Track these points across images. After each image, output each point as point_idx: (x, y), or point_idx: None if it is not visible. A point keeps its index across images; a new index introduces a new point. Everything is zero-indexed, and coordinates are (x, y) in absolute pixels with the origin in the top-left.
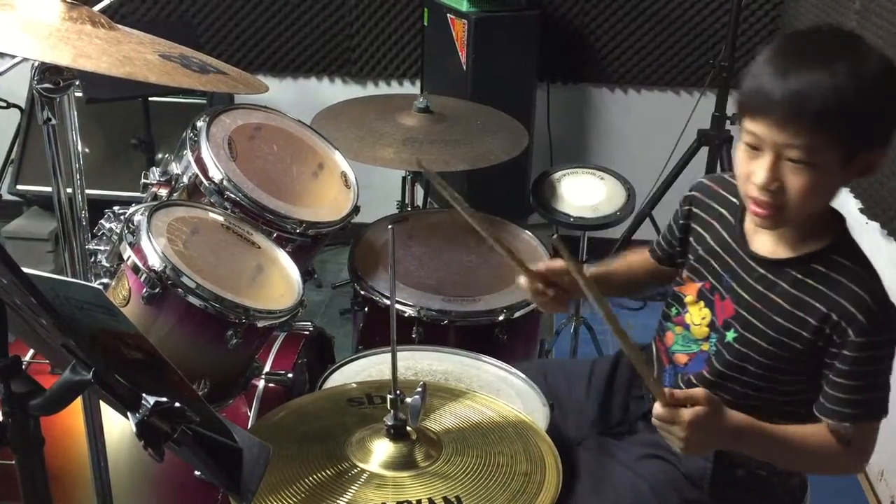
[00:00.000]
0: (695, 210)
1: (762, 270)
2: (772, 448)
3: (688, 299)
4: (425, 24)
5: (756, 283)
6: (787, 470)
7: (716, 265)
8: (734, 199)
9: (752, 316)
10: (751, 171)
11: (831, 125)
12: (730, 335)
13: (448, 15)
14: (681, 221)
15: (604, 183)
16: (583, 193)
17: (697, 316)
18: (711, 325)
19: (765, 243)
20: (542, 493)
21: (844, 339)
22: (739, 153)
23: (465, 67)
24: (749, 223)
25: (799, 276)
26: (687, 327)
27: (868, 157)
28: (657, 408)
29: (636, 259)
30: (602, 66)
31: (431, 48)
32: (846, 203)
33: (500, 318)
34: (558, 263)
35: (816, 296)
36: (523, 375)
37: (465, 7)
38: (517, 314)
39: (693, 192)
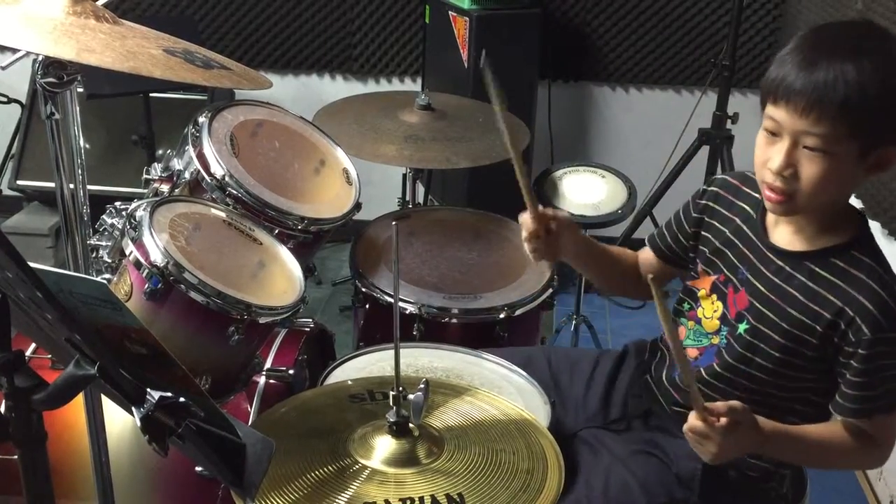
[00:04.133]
0: (712, 205)
1: (780, 262)
2: (793, 450)
3: (701, 293)
4: (427, 21)
5: (773, 275)
6: (781, 472)
7: (732, 257)
8: (756, 194)
9: (767, 308)
10: (768, 157)
11: (852, 117)
12: (742, 327)
13: (449, 12)
14: (694, 215)
15: (605, 181)
16: (584, 191)
17: (710, 310)
18: (722, 318)
19: (784, 236)
20: (544, 491)
21: (860, 336)
22: (759, 139)
23: (466, 65)
24: (770, 217)
25: (817, 269)
26: (699, 321)
27: (884, 154)
28: (693, 419)
29: (631, 256)
30: (604, 65)
31: (433, 45)
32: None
33: (501, 315)
34: (562, 214)
35: (833, 290)
36: (524, 373)
37: (466, 4)
38: (518, 312)
39: (713, 188)
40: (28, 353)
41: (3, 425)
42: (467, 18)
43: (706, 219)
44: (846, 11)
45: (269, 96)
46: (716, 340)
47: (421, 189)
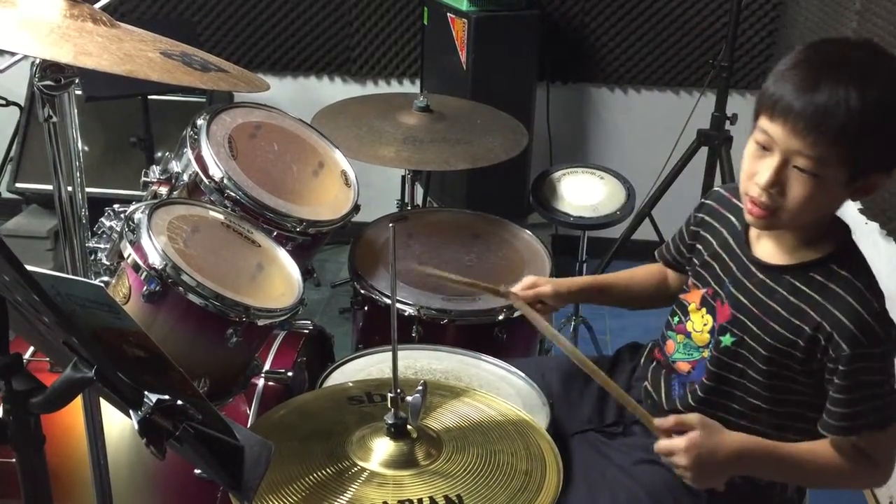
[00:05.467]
0: (706, 218)
1: (762, 276)
2: (781, 466)
3: (691, 307)
4: (425, 23)
5: (755, 288)
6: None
7: (718, 269)
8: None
9: (750, 321)
10: (756, 171)
11: (848, 143)
12: (726, 340)
13: (448, 14)
14: (691, 227)
15: (603, 182)
16: (582, 193)
17: (699, 323)
18: (712, 332)
19: (767, 249)
20: (542, 492)
21: (839, 353)
22: (748, 150)
23: (465, 67)
24: (753, 230)
25: (797, 283)
26: (688, 335)
27: (871, 180)
28: (657, 443)
29: (643, 271)
30: (602, 66)
31: (431, 47)
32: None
33: (500, 317)
34: (529, 286)
35: (811, 304)
36: (523, 374)
37: (465, 6)
38: (517, 313)
39: (707, 201)
40: (26, 356)
41: (2, 428)
42: (466, 20)
43: (701, 232)
44: (844, 12)
45: (268, 98)
46: (706, 354)
47: (420, 191)
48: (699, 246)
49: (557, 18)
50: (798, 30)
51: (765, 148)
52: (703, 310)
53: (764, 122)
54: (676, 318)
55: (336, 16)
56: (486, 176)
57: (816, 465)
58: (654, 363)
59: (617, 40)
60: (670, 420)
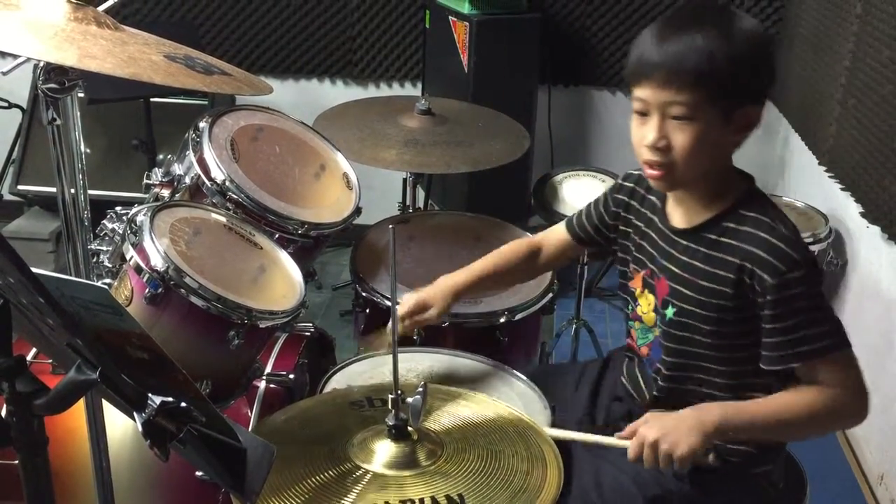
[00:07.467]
0: (628, 200)
1: (684, 242)
2: (757, 421)
3: (637, 292)
4: (427, 26)
5: (681, 255)
6: (766, 458)
7: (650, 249)
8: None
9: (683, 287)
10: (642, 136)
11: (707, 82)
12: (669, 312)
13: (450, 17)
14: (612, 209)
15: (605, 185)
16: (584, 196)
17: (645, 304)
18: (656, 310)
19: (682, 216)
20: (543, 491)
21: (763, 285)
22: (632, 125)
23: (466, 69)
24: (669, 203)
25: (713, 237)
26: (640, 319)
27: (746, 114)
28: (628, 451)
29: (510, 251)
30: (603, 69)
31: (433, 50)
32: (847, 207)
33: (501, 319)
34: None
35: (729, 251)
36: (524, 377)
37: (466, 9)
38: (518, 316)
39: (628, 183)
40: (29, 358)
41: (5, 430)
42: (467, 23)
43: (622, 213)
44: (845, 14)
45: (269, 101)
46: (657, 332)
47: (421, 193)
48: (628, 230)
49: (559, 21)
50: (798, 33)
51: (643, 114)
52: (646, 290)
53: (635, 91)
54: (629, 307)
55: (338, 18)
56: (488, 179)
57: (784, 408)
58: (627, 358)
59: (618, 43)
60: (627, 430)
